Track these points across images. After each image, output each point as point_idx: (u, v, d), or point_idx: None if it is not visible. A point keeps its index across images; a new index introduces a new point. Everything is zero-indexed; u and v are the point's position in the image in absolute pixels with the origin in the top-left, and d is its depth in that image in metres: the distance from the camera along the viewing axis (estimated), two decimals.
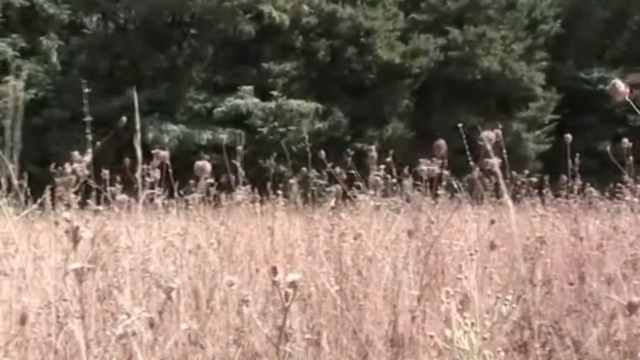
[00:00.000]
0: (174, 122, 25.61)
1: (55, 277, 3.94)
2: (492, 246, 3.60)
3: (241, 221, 6.03)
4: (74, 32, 27.43)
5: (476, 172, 3.53)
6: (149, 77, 26.46)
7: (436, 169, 2.93)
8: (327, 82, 27.15)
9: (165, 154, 3.20)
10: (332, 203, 6.83)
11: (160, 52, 26.98)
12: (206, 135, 24.86)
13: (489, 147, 2.13)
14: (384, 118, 26.88)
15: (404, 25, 28.34)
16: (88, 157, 2.40)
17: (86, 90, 4.20)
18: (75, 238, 2.01)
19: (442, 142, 3.37)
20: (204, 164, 2.53)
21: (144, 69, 26.63)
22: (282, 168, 7.80)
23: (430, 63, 27.51)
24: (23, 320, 2.60)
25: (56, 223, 4.19)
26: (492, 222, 4.03)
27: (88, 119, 4.45)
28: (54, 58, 25.96)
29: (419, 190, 5.55)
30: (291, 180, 7.11)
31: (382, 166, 5.28)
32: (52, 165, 4.52)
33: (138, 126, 3.17)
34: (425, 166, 2.89)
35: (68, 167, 2.32)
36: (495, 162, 2.51)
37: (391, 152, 6.04)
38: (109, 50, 26.44)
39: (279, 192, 6.82)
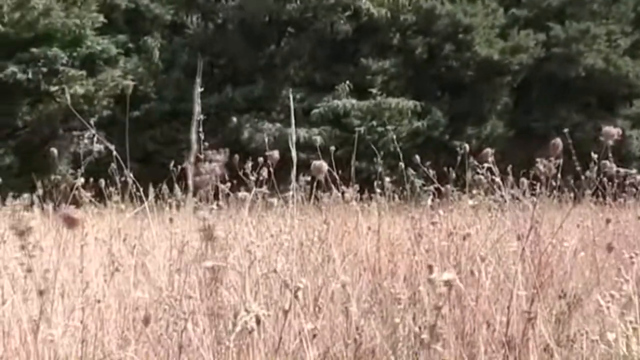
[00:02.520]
0: (270, 121, 25.86)
1: (169, 273, 4.04)
2: (610, 248, 3.51)
3: (340, 219, 6.05)
4: (176, 31, 28.02)
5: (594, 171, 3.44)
6: (246, 75, 26.81)
7: (553, 169, 2.89)
8: (425, 79, 26.96)
9: (277, 156, 3.24)
10: (430, 202, 6.80)
11: (258, 51, 27.29)
12: (302, 134, 25.02)
13: (610, 143, 2.08)
14: (482, 116, 26.52)
15: (504, 21, 27.89)
16: (222, 157, 2.45)
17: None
18: (210, 236, 2.06)
19: (558, 141, 3.32)
20: (321, 164, 2.56)
21: (241, 67, 26.99)
22: (379, 167, 7.79)
23: (530, 60, 26.99)
24: (146, 321, 2.67)
25: (171, 220, 4.30)
26: (608, 221, 3.94)
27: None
28: (156, 57, 26.60)
29: (521, 188, 5.47)
30: (387, 179, 7.11)
31: (486, 165, 5.22)
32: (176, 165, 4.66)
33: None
34: (543, 165, 2.84)
35: (203, 167, 2.38)
36: (609, 164, 2.46)
37: (493, 150, 5.96)
38: (208, 49, 26.89)
39: (378, 191, 6.82)
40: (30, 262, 2.07)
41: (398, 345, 3.83)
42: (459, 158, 7.35)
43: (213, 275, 2.05)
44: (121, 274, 4.13)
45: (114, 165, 4.75)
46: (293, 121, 3.58)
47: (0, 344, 3.32)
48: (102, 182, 5.84)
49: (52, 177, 7.90)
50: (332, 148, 5.76)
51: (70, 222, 1.94)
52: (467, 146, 6.52)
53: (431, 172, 6.27)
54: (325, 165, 2.62)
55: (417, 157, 5.99)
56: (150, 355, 3.39)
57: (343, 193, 5.93)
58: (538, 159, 3.16)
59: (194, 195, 2.65)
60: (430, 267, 1.77)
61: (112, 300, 3.79)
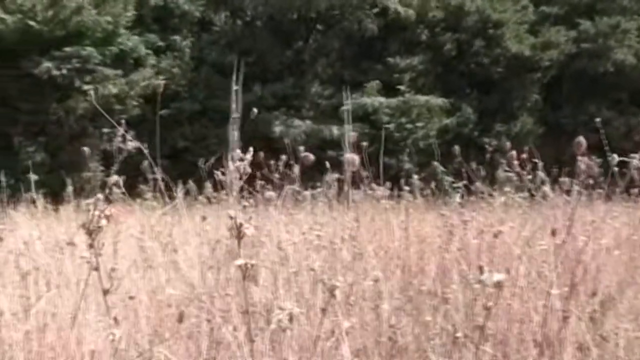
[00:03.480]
0: (300, 118, 25.89)
1: (200, 270, 4.06)
2: None
3: (369, 217, 6.04)
4: (204, 29, 28.11)
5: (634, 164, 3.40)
6: (275, 72, 26.84)
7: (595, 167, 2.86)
8: (454, 76, 26.84)
9: (312, 157, 3.25)
10: (458, 199, 6.77)
11: (286, 48, 27.31)
12: (332, 131, 25.00)
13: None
14: (512, 113, 26.36)
15: (533, 17, 27.70)
16: (249, 156, 2.46)
17: (235, 88, 4.28)
18: (239, 235, 2.07)
19: (581, 139, 3.29)
20: (353, 157, 2.55)
21: (270, 64, 27.02)
22: (409, 165, 7.76)
23: (561, 56, 26.78)
24: (180, 318, 2.69)
25: (203, 218, 4.32)
26: None
27: (235, 115, 4.55)
28: (187, 55, 26.72)
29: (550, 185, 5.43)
30: (415, 176, 7.09)
31: (517, 162, 5.19)
32: (206, 162, 4.68)
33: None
34: (584, 164, 2.82)
35: (232, 165, 2.39)
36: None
37: (527, 148, 5.92)
38: (236, 46, 26.95)
39: (407, 188, 6.80)
40: (98, 260, 2.09)
41: (430, 343, 3.82)
42: (488, 155, 7.32)
43: (245, 273, 2.04)
44: (153, 271, 4.15)
45: (146, 162, 4.77)
46: (349, 120, 3.56)
47: (35, 338, 3.36)
48: (134, 179, 5.87)
49: (83, 174, 7.95)
50: (365, 144, 5.74)
51: (92, 229, 1.96)
52: (501, 144, 6.48)
53: (462, 170, 6.25)
54: (357, 159, 2.62)
55: (456, 148, 5.95)
56: (183, 352, 3.41)
57: (373, 190, 5.92)
58: (580, 158, 3.14)
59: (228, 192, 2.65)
60: (480, 268, 1.76)
61: (144, 297, 3.81)
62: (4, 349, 3.27)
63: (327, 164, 5.56)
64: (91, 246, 2.03)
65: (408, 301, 4.35)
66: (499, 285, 1.71)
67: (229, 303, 3.33)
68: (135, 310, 3.49)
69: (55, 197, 9.31)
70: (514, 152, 5.06)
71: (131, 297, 3.47)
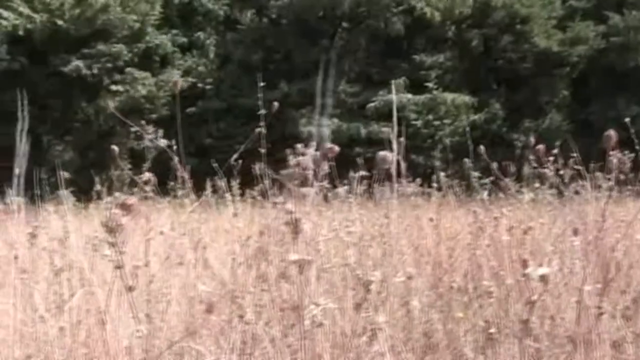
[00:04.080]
0: (326, 115, 25.90)
1: (231, 267, 4.07)
2: None
3: (397, 213, 6.03)
4: (229, 27, 28.19)
5: None
6: (302, 70, 26.86)
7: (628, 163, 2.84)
8: (481, 72, 26.73)
9: (337, 149, 3.23)
10: (486, 195, 6.74)
11: (313, 46, 27.32)
12: (359, 129, 25.00)
13: None
14: (540, 109, 26.20)
15: (561, 12, 27.50)
16: (311, 151, 2.46)
17: (261, 84, 4.31)
18: (296, 230, 2.07)
19: (612, 132, 3.26)
20: (385, 155, 2.55)
21: (296, 62, 27.04)
22: (437, 162, 7.74)
23: (590, 51, 26.55)
24: (210, 309, 2.70)
25: (234, 215, 4.33)
26: None
27: (262, 112, 4.56)
28: (211, 52, 26.82)
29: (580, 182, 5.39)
30: (442, 173, 7.06)
31: (551, 158, 5.15)
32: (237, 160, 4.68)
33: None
34: (616, 159, 2.80)
35: (292, 160, 2.39)
36: None
37: (557, 143, 5.88)
38: (262, 44, 27.01)
39: (435, 185, 6.79)
40: (121, 258, 2.10)
41: (462, 340, 3.81)
42: (518, 151, 7.28)
43: (299, 270, 2.05)
44: (184, 267, 4.17)
45: (176, 159, 4.79)
46: (395, 118, 3.58)
47: (69, 335, 3.39)
48: (162, 177, 5.90)
49: (112, 172, 8.01)
50: (402, 140, 5.72)
51: (127, 209, 1.96)
52: (529, 140, 6.45)
53: (490, 166, 6.21)
54: (390, 155, 2.61)
55: (481, 147, 5.92)
56: (214, 348, 3.42)
57: (402, 187, 5.91)
58: (611, 153, 3.11)
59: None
60: (524, 262, 1.75)
61: (175, 293, 3.84)
62: (40, 345, 3.30)
63: (359, 161, 5.57)
64: (112, 244, 2.04)
65: (439, 298, 4.34)
66: (544, 279, 1.70)
67: (262, 299, 3.34)
68: (167, 307, 3.50)
69: (84, 195, 9.37)
70: (542, 148, 5.02)
71: (163, 294, 3.49)
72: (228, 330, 3.54)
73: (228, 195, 6.67)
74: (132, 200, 1.95)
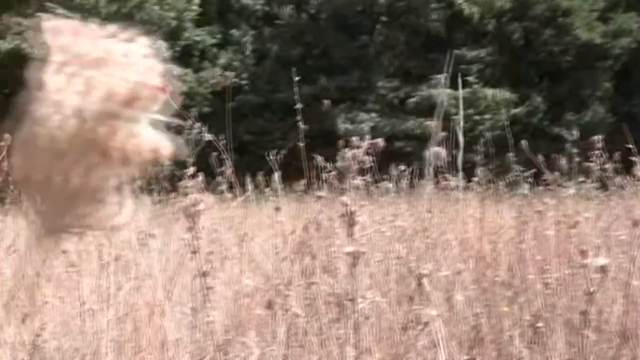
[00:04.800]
0: (365, 111, 25.86)
1: (274, 261, 4.09)
2: None
3: (439, 208, 6.01)
4: (268, 22, 28.25)
5: None
6: (340, 65, 26.83)
7: None
8: (522, 66, 26.49)
9: (382, 143, 3.23)
10: (526, 190, 6.69)
11: (351, 41, 27.28)
12: (398, 124, 24.92)
13: None
14: (583, 102, 25.89)
15: (604, 4, 27.12)
16: (366, 144, 2.47)
17: (296, 78, 4.33)
18: (351, 222, 2.08)
19: None
20: (439, 150, 2.54)
21: (335, 57, 27.03)
22: (477, 156, 7.71)
23: (633, 43, 26.17)
24: (269, 305, 2.72)
25: (277, 209, 4.35)
26: None
27: (299, 106, 4.57)
28: (249, 48, 26.91)
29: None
30: (484, 168, 7.04)
31: (597, 152, 5.10)
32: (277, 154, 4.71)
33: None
34: None
35: (348, 153, 2.41)
36: None
37: (600, 137, 5.81)
38: (301, 40, 27.04)
39: (477, 179, 6.76)
40: (198, 244, 2.13)
41: (507, 333, 3.79)
42: (562, 145, 7.21)
43: (353, 262, 2.06)
44: (228, 262, 4.20)
45: (221, 155, 4.83)
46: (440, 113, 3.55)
47: (116, 328, 3.43)
48: (203, 172, 5.94)
49: (153, 167, 8.06)
50: (443, 134, 5.70)
51: (191, 212, 1.99)
52: (571, 133, 6.38)
53: (533, 159, 6.18)
54: (443, 152, 2.60)
55: (523, 142, 5.88)
56: (258, 340, 3.44)
57: (445, 181, 5.89)
58: None
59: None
60: (583, 252, 1.74)
61: (220, 288, 3.86)
62: (89, 339, 3.34)
63: (401, 155, 5.56)
64: (190, 229, 2.07)
65: (483, 292, 4.32)
66: (603, 270, 1.69)
67: (307, 292, 3.35)
68: (215, 300, 3.53)
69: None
70: (589, 141, 4.97)
71: (209, 288, 3.51)
72: (273, 324, 3.56)
73: (269, 190, 6.71)
74: (204, 197, 1.98)
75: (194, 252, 2.16)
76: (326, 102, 4.70)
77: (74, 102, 0.53)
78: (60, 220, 0.56)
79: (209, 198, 2.01)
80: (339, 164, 2.55)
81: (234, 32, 27.16)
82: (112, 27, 0.58)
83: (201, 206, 1.96)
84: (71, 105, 0.52)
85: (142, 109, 0.55)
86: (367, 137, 3.95)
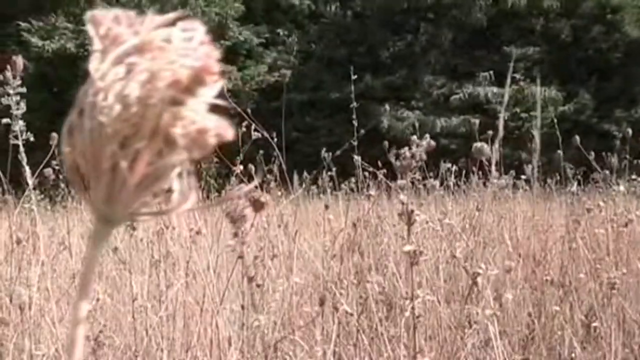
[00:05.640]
0: (409, 109, 25.76)
1: (324, 260, 4.09)
2: None
3: (488, 205, 5.96)
4: (313, 21, 28.29)
5: None
6: (386, 64, 26.77)
7: None
8: (571, 63, 26.16)
9: (433, 144, 3.20)
10: (575, 188, 6.59)
11: (397, 39, 27.20)
12: (442, 122, 24.79)
13: None
14: (633, 99, 25.49)
15: None
16: (425, 143, 2.46)
17: (353, 77, 4.28)
18: (409, 221, 2.07)
19: None
20: (482, 146, 2.51)
21: (380, 56, 26.97)
22: (525, 154, 7.63)
23: None
24: (322, 301, 2.72)
25: (326, 207, 4.35)
26: None
27: (354, 105, 4.56)
28: (295, 46, 26.96)
29: None
30: (531, 165, 6.96)
31: None
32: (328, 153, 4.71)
33: None
34: None
35: (407, 152, 2.40)
36: None
37: None
38: (346, 38, 27.02)
39: (524, 177, 6.69)
40: (244, 249, 2.13)
41: (559, 333, 3.74)
42: (612, 142, 7.11)
43: (412, 261, 2.04)
44: (277, 259, 4.21)
45: (265, 153, 4.85)
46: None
47: (166, 325, 3.45)
48: (253, 168, 5.97)
49: (199, 166, 8.12)
50: (490, 132, 5.66)
51: (258, 206, 1.99)
52: (622, 130, 6.29)
53: (585, 156, 6.10)
54: (487, 147, 2.57)
55: (576, 138, 5.80)
56: (310, 340, 3.44)
57: (493, 179, 5.84)
58: None
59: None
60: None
61: (270, 285, 3.87)
62: (141, 335, 3.37)
63: (447, 153, 5.53)
64: (235, 235, 2.07)
65: (533, 291, 4.27)
66: None
67: (357, 290, 3.34)
68: (264, 298, 3.54)
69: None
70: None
71: (258, 285, 3.52)
72: (322, 322, 3.55)
73: (318, 188, 6.72)
74: (262, 195, 1.98)
75: (240, 257, 2.15)
76: (387, 107, 4.72)
77: (135, 90, 0.53)
78: (122, 209, 0.56)
79: (264, 196, 2.01)
80: (397, 162, 2.53)
81: (280, 31, 27.25)
82: (156, 14, 0.59)
83: (263, 199, 1.95)
84: (133, 94, 0.53)
85: (203, 94, 0.55)
86: (414, 135, 3.93)
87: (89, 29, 0.56)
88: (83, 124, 0.53)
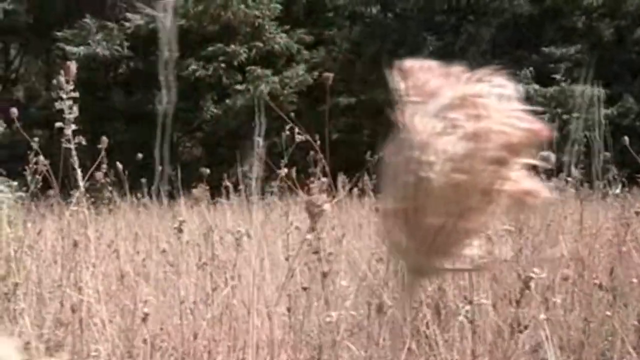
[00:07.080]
0: None
1: (369, 262, 4.07)
2: None
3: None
4: (355, 22, 28.28)
5: None
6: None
7: None
8: (614, 65, 25.81)
9: None
10: (619, 190, 6.51)
11: (437, 39, 27.09)
12: None
13: None
14: None
15: None
16: None
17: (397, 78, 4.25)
18: None
19: None
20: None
21: (421, 56, 26.85)
22: (566, 156, 7.54)
23: None
24: (380, 308, 2.71)
25: (376, 210, 4.33)
26: None
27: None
28: (337, 48, 26.95)
29: None
30: (575, 168, 6.89)
31: None
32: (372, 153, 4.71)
33: None
34: None
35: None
36: None
37: None
38: (388, 38, 26.97)
39: (568, 179, 6.62)
40: (319, 244, 2.14)
41: (609, 339, 3.69)
42: None
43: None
44: (320, 262, 4.19)
45: (307, 154, 4.86)
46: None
47: (212, 327, 3.46)
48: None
49: (241, 169, 8.13)
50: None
51: (315, 212, 1.98)
52: None
53: (635, 158, 6.02)
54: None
55: (625, 138, 5.71)
56: (358, 343, 3.43)
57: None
58: None
59: None
60: None
61: (315, 287, 3.86)
62: (189, 338, 3.38)
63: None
64: (313, 229, 2.08)
65: (583, 295, 4.21)
66: None
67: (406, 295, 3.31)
68: (307, 301, 3.54)
69: (213, 190, 9.55)
70: None
71: (304, 288, 3.52)
72: (368, 325, 3.54)
73: (360, 190, 6.70)
74: (324, 199, 1.98)
75: (316, 252, 2.16)
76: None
77: (462, 149, 0.52)
78: (437, 262, 0.56)
79: (324, 198, 2.00)
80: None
81: (321, 32, 27.25)
82: (467, 69, 0.59)
83: (326, 207, 1.95)
84: (459, 152, 0.52)
85: (526, 154, 0.55)
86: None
87: (398, 77, 0.56)
88: (398, 176, 0.53)
